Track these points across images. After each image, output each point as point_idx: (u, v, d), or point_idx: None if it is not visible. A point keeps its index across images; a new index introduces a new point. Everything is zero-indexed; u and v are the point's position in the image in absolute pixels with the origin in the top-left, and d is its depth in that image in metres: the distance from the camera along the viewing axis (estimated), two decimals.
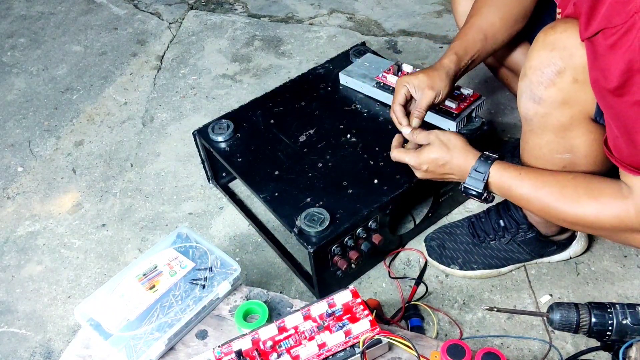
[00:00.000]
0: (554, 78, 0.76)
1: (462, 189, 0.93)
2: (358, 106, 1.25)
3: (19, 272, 1.24)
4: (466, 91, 1.15)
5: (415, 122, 1.00)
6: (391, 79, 1.22)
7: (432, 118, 1.15)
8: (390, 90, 1.21)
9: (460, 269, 1.12)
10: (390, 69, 1.25)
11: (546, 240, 1.08)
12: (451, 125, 1.13)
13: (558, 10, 0.89)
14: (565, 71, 0.75)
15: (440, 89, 1.00)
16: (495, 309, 0.78)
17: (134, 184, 1.41)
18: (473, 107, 1.15)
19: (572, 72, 0.75)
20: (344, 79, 1.30)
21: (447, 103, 1.13)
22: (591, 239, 1.17)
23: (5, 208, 1.38)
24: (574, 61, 0.74)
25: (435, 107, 1.09)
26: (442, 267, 1.13)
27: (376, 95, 1.25)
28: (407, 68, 1.24)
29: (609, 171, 0.85)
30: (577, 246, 1.12)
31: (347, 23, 1.88)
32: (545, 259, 1.12)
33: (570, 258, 1.13)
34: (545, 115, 0.80)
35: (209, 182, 1.37)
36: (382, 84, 1.23)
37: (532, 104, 0.81)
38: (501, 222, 1.09)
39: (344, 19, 1.90)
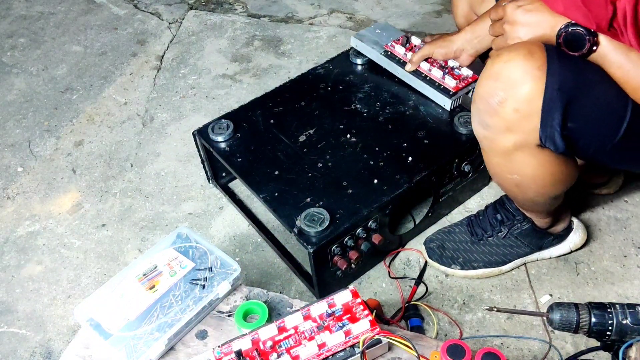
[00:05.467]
0: (496, 108, 0.80)
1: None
2: (358, 106, 1.25)
3: (19, 272, 1.24)
4: (466, 72, 1.19)
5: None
6: (399, 49, 1.26)
7: (429, 92, 1.21)
8: (396, 60, 1.26)
9: (462, 268, 1.12)
10: (399, 39, 1.29)
11: (542, 231, 1.09)
12: (446, 102, 1.18)
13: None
14: (506, 101, 0.78)
15: (435, 52, 1.17)
16: (495, 309, 0.78)
17: (134, 184, 1.41)
18: (470, 88, 1.19)
19: (513, 103, 0.78)
20: (355, 42, 1.33)
21: (447, 80, 1.18)
22: (590, 234, 1.17)
23: (5, 208, 1.38)
24: (516, 92, 0.77)
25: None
26: (443, 268, 1.13)
27: (382, 63, 1.28)
28: (415, 41, 1.28)
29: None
30: (575, 237, 1.13)
31: (347, 23, 1.88)
32: (546, 253, 1.12)
33: (571, 251, 1.14)
34: (491, 139, 0.85)
35: (209, 182, 1.37)
36: (389, 53, 1.27)
37: (480, 129, 0.86)
38: (498, 216, 1.10)
39: (344, 19, 1.90)
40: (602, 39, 0.77)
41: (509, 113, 0.79)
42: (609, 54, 0.77)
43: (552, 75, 0.76)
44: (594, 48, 0.77)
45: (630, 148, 0.84)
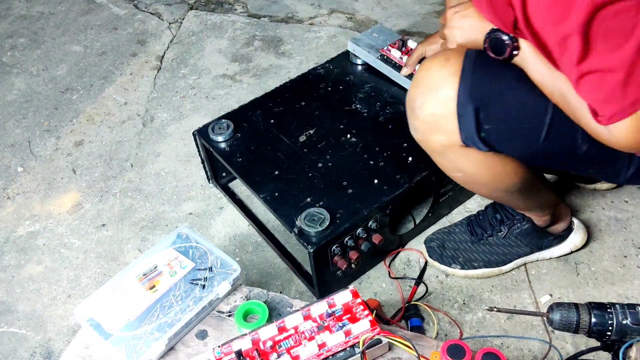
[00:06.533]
0: (418, 112, 0.85)
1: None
2: (358, 106, 1.25)
3: (19, 272, 1.24)
4: None
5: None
6: (395, 53, 1.27)
7: None
8: (392, 64, 1.26)
9: (462, 268, 1.12)
10: (395, 43, 1.29)
11: (542, 231, 1.09)
12: None
13: None
14: (424, 105, 0.83)
15: (427, 50, 1.15)
16: (495, 309, 0.78)
17: (134, 184, 1.41)
18: None
19: (430, 107, 0.83)
20: (352, 46, 1.34)
21: None
22: (590, 234, 1.17)
23: (5, 208, 1.38)
24: (432, 97, 0.82)
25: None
26: (443, 267, 1.13)
27: (379, 67, 1.29)
28: (411, 44, 1.28)
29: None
30: (576, 238, 1.13)
31: (347, 23, 1.88)
32: (546, 253, 1.12)
33: (571, 251, 1.14)
34: (423, 141, 0.89)
35: (209, 182, 1.37)
36: (385, 57, 1.28)
37: (412, 131, 0.90)
38: (497, 215, 1.10)
39: (344, 19, 1.90)
40: (523, 43, 0.79)
41: (427, 116, 0.84)
42: (529, 58, 0.79)
43: (465, 80, 0.79)
44: (515, 53, 0.79)
45: (556, 151, 0.85)
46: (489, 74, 0.80)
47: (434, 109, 0.82)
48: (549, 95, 0.77)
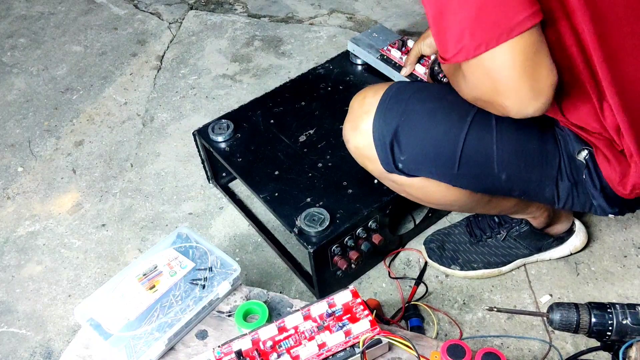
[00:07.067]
0: (347, 145, 0.93)
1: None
2: None
3: (19, 272, 1.24)
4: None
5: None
6: (394, 53, 1.28)
7: None
8: (392, 64, 1.27)
9: (461, 269, 1.12)
10: (395, 43, 1.30)
11: (541, 233, 1.09)
12: None
13: None
14: (349, 142, 0.91)
15: (422, 47, 1.15)
16: (495, 309, 0.78)
17: (134, 184, 1.41)
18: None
19: (353, 142, 0.90)
20: (352, 46, 1.34)
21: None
22: (590, 234, 1.17)
23: (5, 208, 1.38)
24: (353, 134, 0.89)
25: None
26: (442, 268, 1.13)
27: (379, 67, 1.30)
28: (411, 44, 1.29)
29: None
30: (576, 240, 1.12)
31: (347, 23, 1.88)
32: (546, 255, 1.12)
33: (571, 254, 1.13)
34: (364, 167, 0.94)
35: (209, 182, 1.37)
36: (385, 57, 1.29)
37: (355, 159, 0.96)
38: (495, 218, 1.10)
39: (344, 19, 1.90)
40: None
41: (353, 149, 0.92)
42: (445, 69, 0.83)
43: (378, 119, 0.85)
44: (439, 74, 0.86)
45: (476, 179, 0.86)
46: (399, 112, 0.84)
47: (357, 142, 0.89)
48: (454, 86, 0.80)
